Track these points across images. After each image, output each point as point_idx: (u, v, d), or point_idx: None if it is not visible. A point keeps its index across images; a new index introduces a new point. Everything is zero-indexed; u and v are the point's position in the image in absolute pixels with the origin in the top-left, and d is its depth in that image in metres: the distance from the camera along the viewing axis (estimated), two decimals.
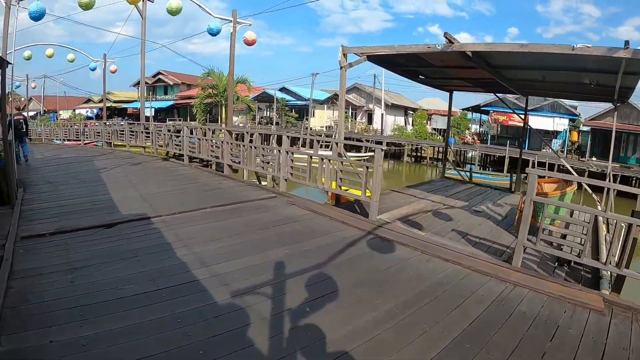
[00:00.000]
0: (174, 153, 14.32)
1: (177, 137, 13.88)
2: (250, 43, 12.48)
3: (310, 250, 5.10)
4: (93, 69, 20.93)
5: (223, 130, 11.42)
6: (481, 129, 40.34)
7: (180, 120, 45.58)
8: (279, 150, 8.79)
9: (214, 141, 11.99)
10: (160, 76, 51.95)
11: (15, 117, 12.99)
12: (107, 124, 19.89)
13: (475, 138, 34.03)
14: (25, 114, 48.62)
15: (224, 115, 19.43)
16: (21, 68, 65.08)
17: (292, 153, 8.66)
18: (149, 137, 15.76)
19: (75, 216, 6.27)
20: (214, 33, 11.53)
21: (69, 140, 22.03)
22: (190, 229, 5.74)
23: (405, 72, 10.40)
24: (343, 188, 7.60)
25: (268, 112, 45.62)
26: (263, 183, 12.75)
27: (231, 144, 10.86)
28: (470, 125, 39.68)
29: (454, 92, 12.30)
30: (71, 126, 22.64)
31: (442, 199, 9.11)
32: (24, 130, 13.65)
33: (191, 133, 13.27)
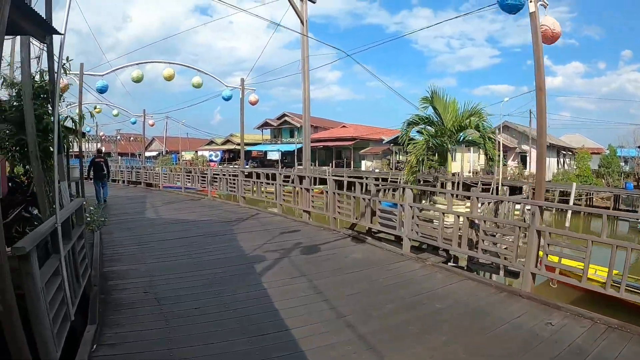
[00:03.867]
0: (369, 228, 9.22)
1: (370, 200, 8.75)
2: (552, 38, 6.97)
3: None
4: (227, 99, 18.00)
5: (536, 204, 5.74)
6: (628, 168, 38.09)
7: (312, 165, 44.56)
8: None
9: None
10: (285, 118, 53.94)
11: (96, 159, 14.88)
12: (245, 170, 16.18)
13: None
14: (146, 154, 52.66)
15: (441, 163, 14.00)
16: (139, 103, 72.18)
17: None
18: (318, 196, 11.07)
19: None
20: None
21: (191, 186, 19.27)
22: None
23: None
24: None
25: (399, 156, 44.24)
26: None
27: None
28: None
29: None
30: (195, 171, 19.84)
31: None
32: (105, 172, 14.87)
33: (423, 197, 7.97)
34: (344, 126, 51.99)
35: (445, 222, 7.63)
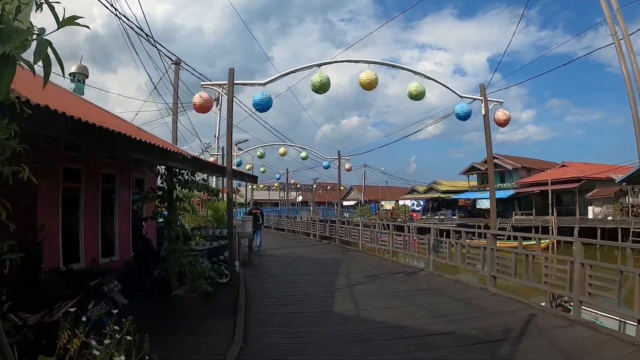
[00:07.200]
0: None
1: None
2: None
3: None
4: (464, 116, 13.10)
5: None
6: None
7: (522, 215, 40.08)
8: None
9: None
10: (494, 160, 47.87)
11: (253, 211, 18.51)
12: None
13: None
14: (344, 204, 50.73)
15: None
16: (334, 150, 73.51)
17: None
18: None
19: None
20: None
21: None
22: None
23: None
24: None
25: (629, 198, 37.47)
26: None
27: None
28: None
29: None
30: (409, 229, 15.14)
31: None
32: (260, 222, 17.77)
33: None
34: (563, 165, 44.35)
35: None
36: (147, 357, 2.53)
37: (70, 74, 16.09)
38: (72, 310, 4.23)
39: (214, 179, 21.88)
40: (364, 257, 15.87)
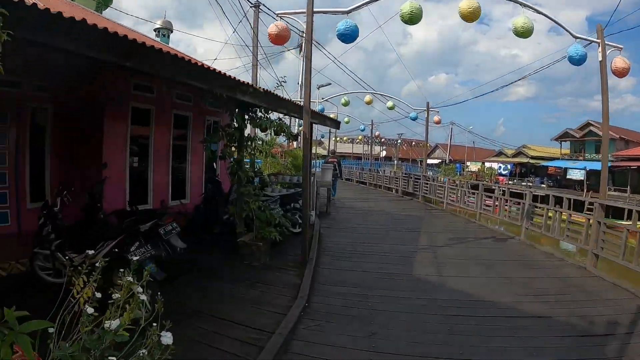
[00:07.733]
0: None
1: None
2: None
3: None
4: (578, 59, 11.43)
5: None
6: None
7: (614, 191, 34.63)
8: None
9: None
10: (590, 128, 42.63)
11: (329, 160, 18.82)
12: None
13: None
14: (428, 162, 48.55)
15: None
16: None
17: None
18: None
19: None
20: None
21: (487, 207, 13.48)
22: None
23: None
24: None
25: None
26: None
27: None
28: None
29: None
30: (500, 192, 13.74)
31: None
32: (337, 171, 17.40)
33: None
34: None
35: None
36: (154, 324, 1.93)
37: (155, 30, 17.27)
38: (112, 250, 3.82)
39: (296, 127, 21.42)
40: (449, 217, 14.85)
